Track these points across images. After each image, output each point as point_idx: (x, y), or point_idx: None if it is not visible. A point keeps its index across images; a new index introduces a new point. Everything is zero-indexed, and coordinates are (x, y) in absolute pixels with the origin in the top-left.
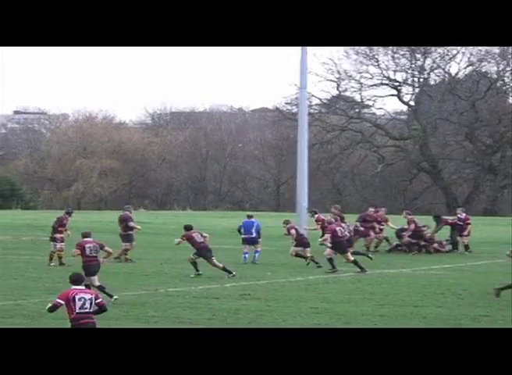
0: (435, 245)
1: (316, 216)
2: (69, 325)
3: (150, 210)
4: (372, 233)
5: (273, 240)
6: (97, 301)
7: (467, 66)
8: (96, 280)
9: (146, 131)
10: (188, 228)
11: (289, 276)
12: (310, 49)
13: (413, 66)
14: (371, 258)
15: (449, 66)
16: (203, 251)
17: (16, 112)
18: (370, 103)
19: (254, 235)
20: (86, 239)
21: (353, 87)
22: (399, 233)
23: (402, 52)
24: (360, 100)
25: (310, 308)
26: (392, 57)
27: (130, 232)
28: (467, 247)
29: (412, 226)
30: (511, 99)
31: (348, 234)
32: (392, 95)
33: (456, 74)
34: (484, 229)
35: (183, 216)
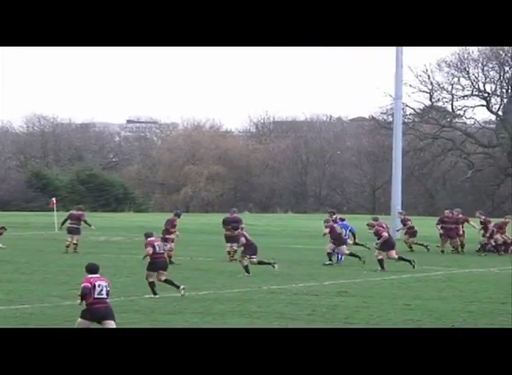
0: None
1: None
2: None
3: (254, 213)
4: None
5: (369, 240)
6: (108, 289)
7: None
8: (164, 275)
9: (250, 139)
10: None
11: (384, 275)
12: (405, 62)
13: (501, 77)
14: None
15: None
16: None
17: (129, 122)
18: (461, 113)
19: (347, 236)
20: (152, 238)
21: (445, 97)
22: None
23: (491, 65)
24: (451, 110)
25: (403, 304)
26: (482, 69)
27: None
28: None
29: (490, 225)
30: None
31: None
32: (482, 105)
33: None
34: None
35: (285, 218)
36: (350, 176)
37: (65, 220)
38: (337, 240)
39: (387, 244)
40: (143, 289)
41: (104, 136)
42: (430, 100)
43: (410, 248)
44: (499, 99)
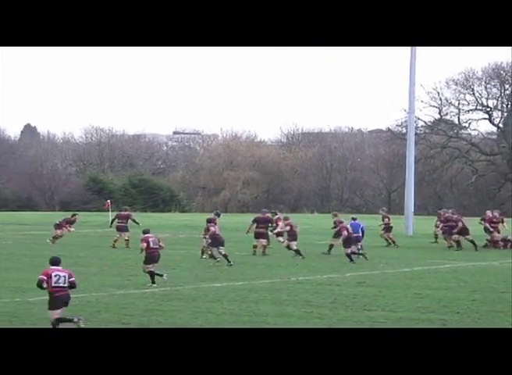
0: None
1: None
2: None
3: (284, 213)
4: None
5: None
6: (70, 279)
7: None
8: (153, 267)
9: (281, 148)
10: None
11: (398, 268)
12: (417, 80)
13: (502, 94)
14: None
15: None
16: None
17: (175, 133)
18: (466, 125)
19: (360, 234)
20: (148, 235)
21: (452, 111)
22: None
23: (493, 83)
24: (458, 122)
25: (414, 293)
26: (485, 87)
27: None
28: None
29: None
30: None
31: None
32: (485, 119)
33: None
34: None
35: (312, 218)
36: (369, 180)
37: (114, 220)
38: (292, 236)
39: (348, 242)
40: (187, 280)
41: (153, 145)
42: (439, 114)
43: (387, 241)
44: (500, 113)
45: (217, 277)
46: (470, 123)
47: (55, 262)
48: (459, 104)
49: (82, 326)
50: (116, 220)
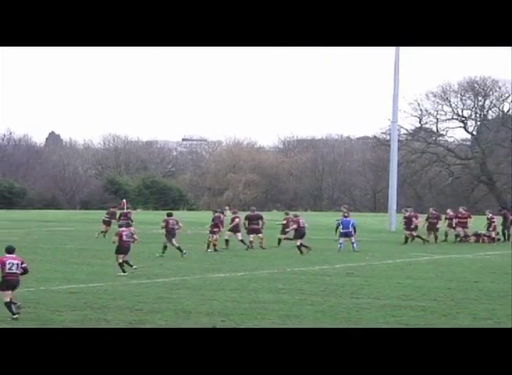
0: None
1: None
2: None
3: (280, 211)
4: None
5: (370, 232)
6: (22, 265)
7: None
8: (122, 258)
9: (278, 153)
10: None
11: (382, 260)
12: (400, 92)
13: (476, 105)
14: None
15: (503, 105)
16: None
17: (184, 140)
18: (443, 133)
19: (350, 230)
20: (123, 228)
21: (431, 121)
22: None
23: (468, 95)
24: (436, 130)
25: (397, 283)
26: (461, 99)
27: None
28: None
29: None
30: None
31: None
32: (460, 127)
33: (508, 111)
34: None
35: (305, 215)
36: (357, 182)
37: (120, 216)
38: (235, 228)
39: (298, 233)
40: (194, 271)
41: (164, 151)
42: (419, 123)
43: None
44: (473, 122)
45: (220, 268)
46: (447, 131)
47: (9, 250)
48: (437, 114)
49: (18, 314)
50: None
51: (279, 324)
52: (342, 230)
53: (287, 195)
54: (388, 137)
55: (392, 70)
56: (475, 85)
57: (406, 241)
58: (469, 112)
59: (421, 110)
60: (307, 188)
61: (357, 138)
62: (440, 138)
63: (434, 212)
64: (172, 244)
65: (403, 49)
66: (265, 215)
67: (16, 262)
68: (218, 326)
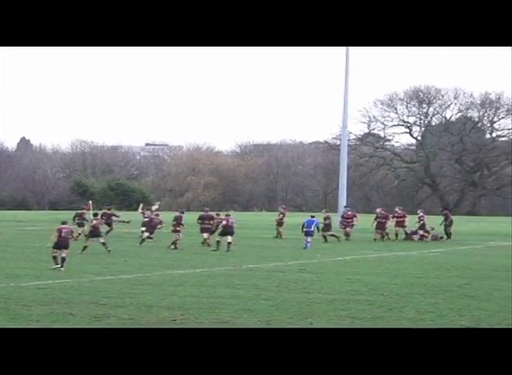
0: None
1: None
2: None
3: (238, 211)
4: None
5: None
6: None
7: (458, 112)
8: (64, 253)
9: (236, 157)
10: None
11: (333, 257)
12: (350, 100)
13: (420, 112)
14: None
15: (445, 113)
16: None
17: (147, 144)
18: (390, 138)
19: (312, 229)
20: (63, 225)
21: (378, 127)
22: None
23: (413, 103)
24: (383, 136)
25: (346, 278)
26: (406, 106)
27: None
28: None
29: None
30: (487, 135)
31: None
32: (406, 133)
33: (450, 118)
34: (467, 224)
35: (261, 215)
36: (309, 184)
37: (75, 217)
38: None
39: (223, 230)
40: (155, 268)
41: (128, 155)
42: (368, 128)
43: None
44: (418, 128)
45: (180, 265)
46: (393, 136)
47: None
48: (384, 120)
49: None
50: (77, 218)
51: (235, 318)
52: (306, 229)
53: (244, 196)
54: (338, 142)
55: (343, 80)
56: (420, 93)
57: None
58: (414, 118)
59: (369, 117)
60: (262, 190)
61: (310, 143)
62: (387, 143)
63: (383, 212)
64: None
65: (352, 58)
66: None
67: None
68: (177, 320)
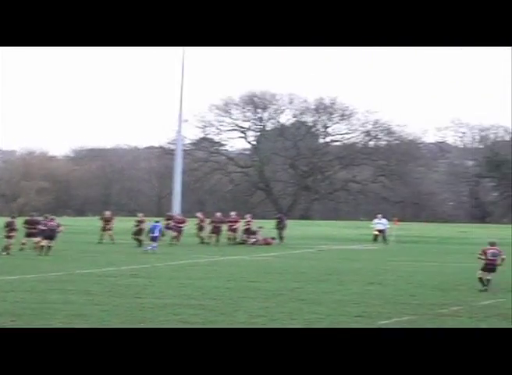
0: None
1: None
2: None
3: (72, 217)
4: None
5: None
6: None
7: (292, 117)
8: None
9: (70, 161)
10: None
11: (166, 261)
12: (185, 105)
13: (255, 117)
14: None
15: (280, 118)
16: None
17: None
18: (225, 143)
19: (156, 234)
20: None
21: (213, 131)
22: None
23: (248, 108)
24: (218, 141)
25: (179, 283)
26: (242, 111)
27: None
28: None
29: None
30: (321, 140)
31: None
32: (241, 137)
33: (285, 123)
34: (300, 229)
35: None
36: (143, 188)
37: None
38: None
39: (41, 234)
40: None
41: None
42: (203, 133)
43: (102, 237)
44: (253, 133)
45: (11, 271)
46: (228, 141)
47: None
48: (219, 125)
49: None
50: None
51: (67, 324)
52: (150, 235)
53: (78, 201)
54: (173, 147)
55: (179, 87)
56: (255, 98)
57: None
58: (249, 123)
59: (204, 122)
60: (96, 194)
61: (145, 148)
62: (222, 148)
63: (219, 216)
64: None
65: (187, 64)
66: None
67: None
68: (8, 326)
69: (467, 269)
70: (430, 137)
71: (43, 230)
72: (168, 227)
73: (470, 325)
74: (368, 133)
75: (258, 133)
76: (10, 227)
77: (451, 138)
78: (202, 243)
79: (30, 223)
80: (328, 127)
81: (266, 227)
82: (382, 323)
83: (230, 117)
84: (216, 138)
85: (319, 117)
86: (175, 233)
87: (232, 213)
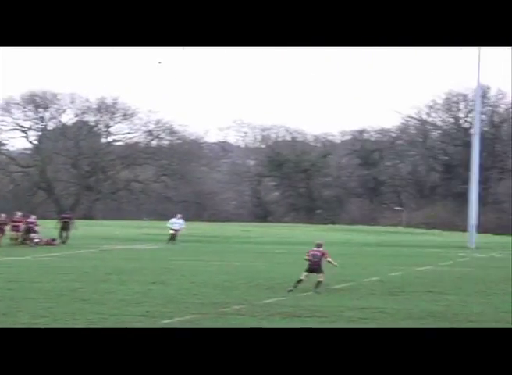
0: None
1: None
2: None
3: None
4: None
5: None
6: None
7: (74, 116)
8: None
9: None
10: None
11: None
12: None
13: (36, 116)
14: None
15: (62, 117)
16: None
17: None
18: (6, 142)
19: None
20: None
21: None
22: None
23: (29, 107)
24: None
25: None
26: (23, 110)
27: None
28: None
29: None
30: (103, 140)
31: None
32: (22, 137)
33: (67, 122)
34: (83, 228)
35: None
36: None
37: None
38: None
39: None
40: None
41: None
42: None
43: None
44: (34, 132)
45: None
46: (9, 141)
47: None
48: (0, 125)
49: None
50: None
51: None
52: None
53: None
54: None
55: None
56: (36, 98)
57: None
58: (30, 123)
59: None
60: None
61: None
62: (3, 148)
63: (3, 216)
64: None
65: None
66: None
67: None
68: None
69: (249, 268)
70: (212, 137)
71: None
72: None
73: (252, 323)
74: (150, 132)
75: (40, 133)
76: None
77: (233, 138)
78: None
79: None
80: (110, 127)
81: (48, 227)
82: (165, 322)
83: (11, 117)
84: None
85: (101, 117)
86: None
87: (19, 214)
